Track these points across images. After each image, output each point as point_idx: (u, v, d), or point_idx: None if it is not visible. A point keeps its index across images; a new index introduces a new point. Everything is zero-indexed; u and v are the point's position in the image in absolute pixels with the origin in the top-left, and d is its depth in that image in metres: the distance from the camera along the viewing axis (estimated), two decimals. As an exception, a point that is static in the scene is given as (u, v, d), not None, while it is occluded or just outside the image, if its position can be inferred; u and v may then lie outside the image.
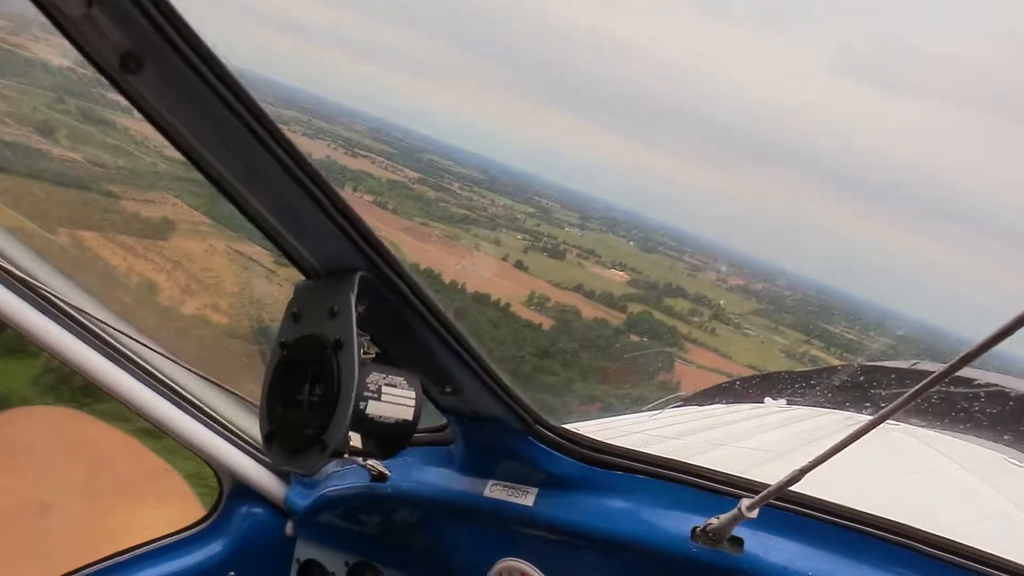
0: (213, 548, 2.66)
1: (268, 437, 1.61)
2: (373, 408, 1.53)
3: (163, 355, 2.39)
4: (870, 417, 1.42)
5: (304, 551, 2.70)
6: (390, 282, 1.57)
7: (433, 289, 1.62)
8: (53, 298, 2.32)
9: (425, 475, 2.20)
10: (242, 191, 1.51)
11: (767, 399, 5.01)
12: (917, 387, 1.30)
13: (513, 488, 1.98)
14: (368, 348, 1.55)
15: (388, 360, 1.64)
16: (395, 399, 1.57)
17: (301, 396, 1.56)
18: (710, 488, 1.84)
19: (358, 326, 1.51)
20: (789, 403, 4.96)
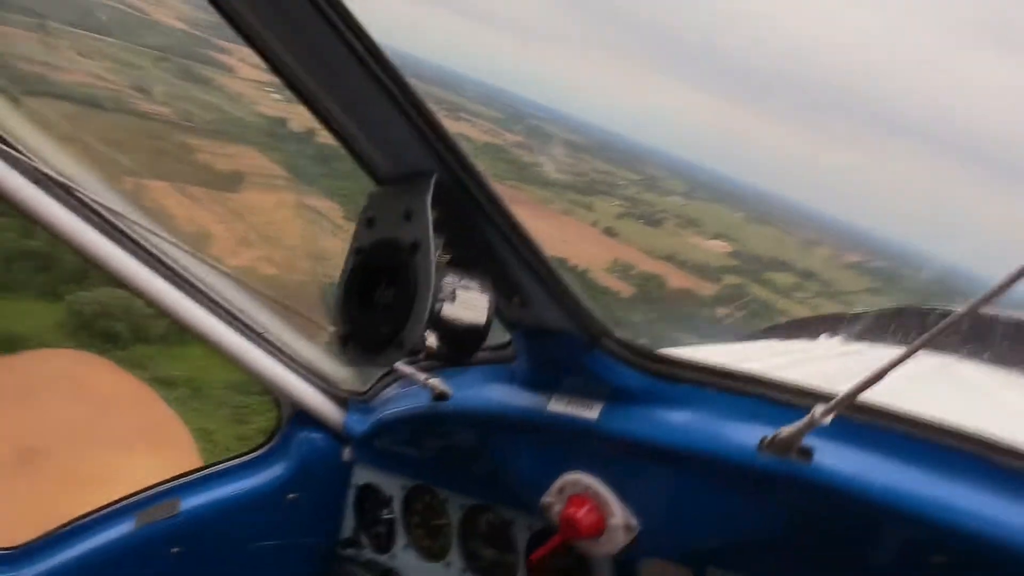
0: (274, 471, 2.74)
1: (344, 339, 1.63)
2: (447, 310, 1.54)
3: (229, 280, 2.45)
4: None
5: (361, 476, 2.76)
6: (465, 186, 1.57)
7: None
8: (125, 228, 2.38)
9: (487, 393, 2.22)
10: (317, 93, 1.52)
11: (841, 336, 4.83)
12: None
13: (577, 402, 1.99)
14: (442, 252, 1.55)
15: (461, 265, 1.64)
16: (469, 302, 1.58)
17: (377, 299, 1.58)
18: (780, 399, 1.83)
19: (433, 229, 1.52)
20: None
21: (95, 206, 2.32)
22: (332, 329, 1.66)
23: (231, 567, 2.72)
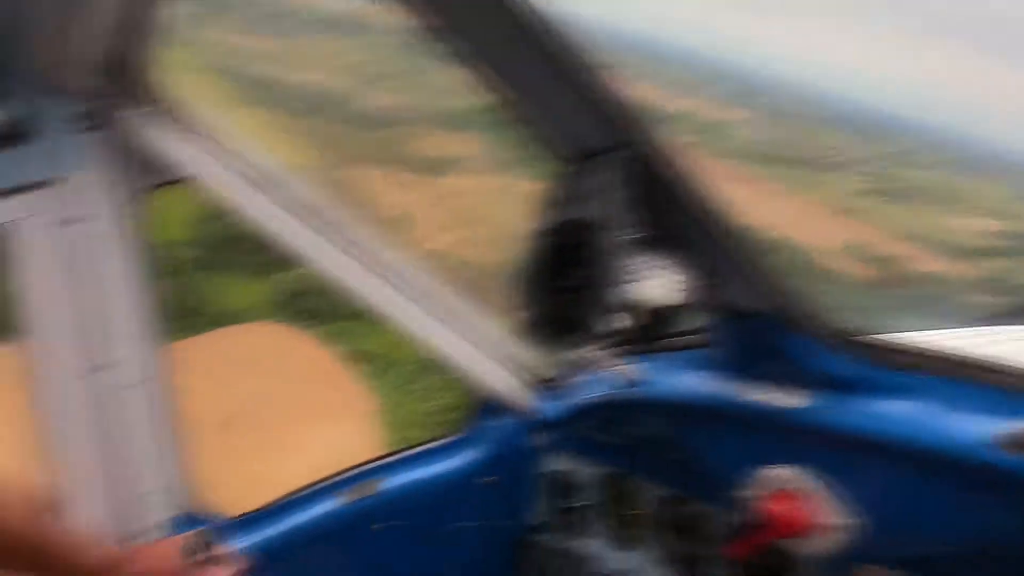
0: (468, 456, 2.80)
1: (533, 323, 1.62)
2: (637, 291, 1.48)
3: (421, 266, 2.53)
4: None
5: (553, 462, 2.76)
6: (655, 163, 1.50)
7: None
8: (321, 219, 2.54)
9: (680, 379, 2.13)
10: (498, 75, 1.51)
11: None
12: None
13: (779, 390, 1.85)
14: (631, 231, 1.49)
15: (651, 245, 1.57)
16: (660, 283, 1.51)
17: (564, 281, 1.55)
18: (1019, 387, 1.59)
19: (622, 208, 1.46)
20: None
21: (295, 200, 2.51)
22: (520, 311, 1.65)
23: (427, 546, 2.81)
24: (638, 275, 1.48)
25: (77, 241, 2.37)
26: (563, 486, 2.75)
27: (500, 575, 2.89)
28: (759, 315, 1.76)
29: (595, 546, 2.65)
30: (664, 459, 2.35)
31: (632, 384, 2.13)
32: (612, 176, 1.46)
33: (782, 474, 1.84)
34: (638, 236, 1.53)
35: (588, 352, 2.26)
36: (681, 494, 2.36)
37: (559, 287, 1.54)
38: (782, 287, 1.68)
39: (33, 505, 2.14)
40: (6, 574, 1.95)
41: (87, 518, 2.29)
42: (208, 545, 1.85)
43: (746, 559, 2.06)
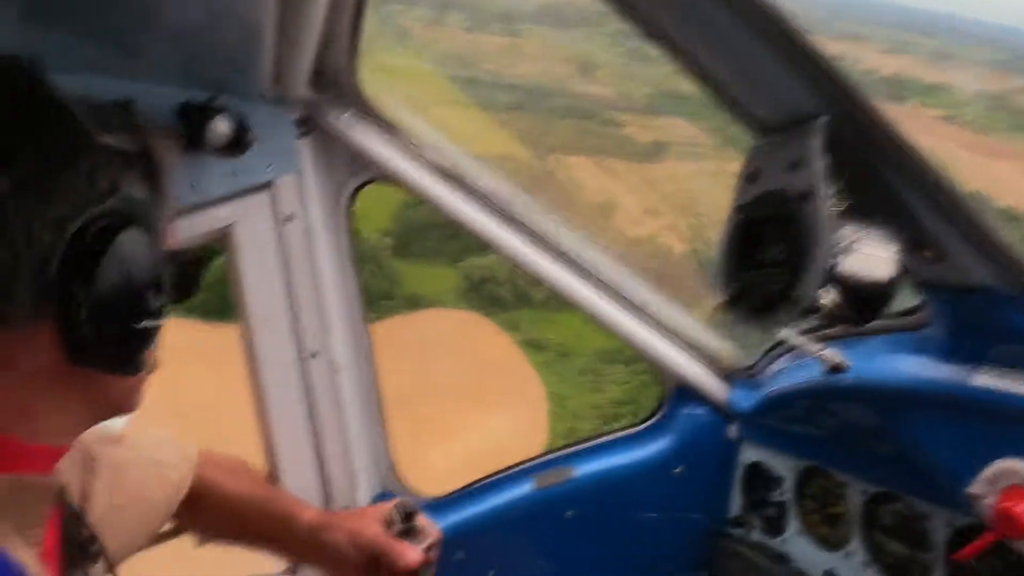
0: (660, 445, 2.76)
1: (730, 301, 1.57)
2: (845, 265, 1.39)
3: (612, 254, 2.54)
4: None
5: (749, 454, 2.66)
6: (861, 128, 1.40)
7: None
8: (513, 209, 2.62)
9: (892, 364, 1.97)
10: (687, 43, 1.47)
11: None
12: None
13: (1013, 375, 1.66)
14: (836, 201, 1.40)
15: (859, 215, 1.47)
16: (869, 256, 1.41)
17: (763, 257, 1.49)
18: None
19: (825, 177, 1.38)
20: None
21: (492, 194, 2.60)
22: (716, 295, 1.60)
23: (618, 534, 2.80)
24: (847, 249, 1.39)
25: (292, 237, 2.58)
26: (761, 479, 2.64)
27: (690, 569, 2.82)
28: (986, 290, 1.60)
29: (796, 544, 2.52)
30: (873, 452, 2.19)
31: (837, 370, 1.99)
32: (818, 143, 1.38)
33: (1015, 467, 1.66)
34: (847, 206, 1.43)
35: (789, 335, 2.17)
36: (893, 491, 2.19)
37: (759, 263, 1.48)
38: (1014, 259, 1.51)
39: (256, 472, 2.36)
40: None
41: (298, 493, 2.47)
42: (410, 516, 1.94)
43: (971, 564, 1.88)
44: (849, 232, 1.40)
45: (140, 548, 2.11)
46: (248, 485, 2.24)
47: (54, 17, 1.94)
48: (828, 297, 1.38)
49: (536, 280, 2.68)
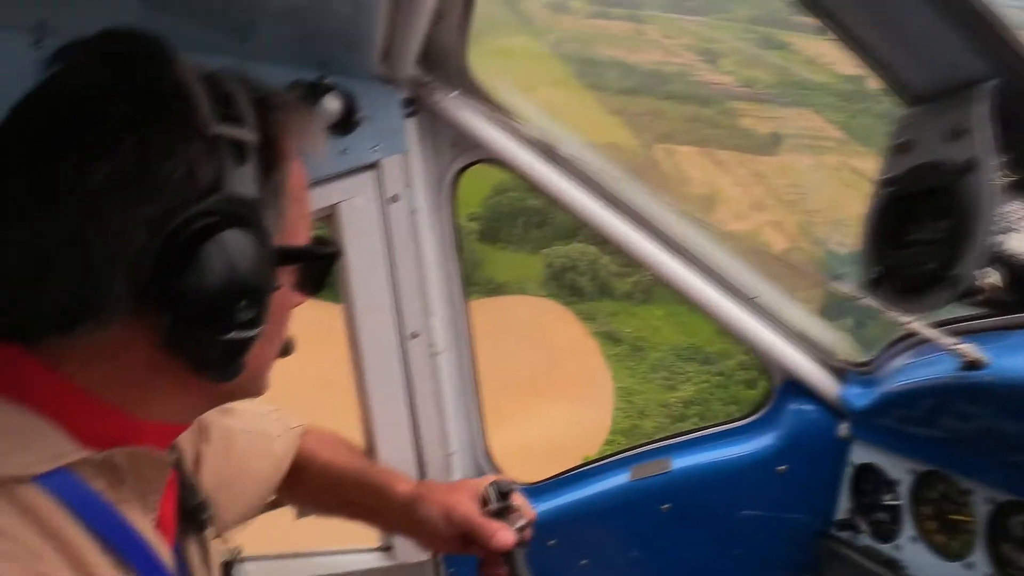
0: (764, 441, 2.66)
1: (875, 281, 1.48)
2: (1011, 243, 1.29)
3: (721, 243, 2.45)
4: None
5: (861, 454, 2.53)
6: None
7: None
8: (618, 193, 2.57)
9: (1040, 361, 1.84)
10: (838, 5, 1.39)
11: None
12: None
13: None
14: (1002, 174, 1.30)
15: (1027, 190, 1.36)
16: (1039, 235, 1.30)
17: (915, 235, 1.40)
18: None
19: (991, 148, 1.28)
20: None
21: (592, 175, 2.58)
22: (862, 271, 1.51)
23: (717, 531, 2.72)
24: (1013, 226, 1.29)
25: (396, 218, 2.59)
26: (872, 482, 2.51)
27: (792, 571, 2.71)
28: None
29: (910, 551, 2.38)
30: (1007, 458, 2.04)
31: (974, 366, 1.87)
32: (984, 110, 1.28)
33: None
34: (1014, 180, 1.33)
35: (919, 328, 2.05)
36: (1026, 500, 2.04)
37: (910, 241, 1.39)
38: None
39: (354, 446, 2.38)
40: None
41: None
42: (505, 495, 1.91)
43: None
44: (1016, 208, 1.30)
45: (247, 517, 2.15)
46: (346, 457, 2.26)
47: (171, 2, 1.98)
48: (989, 279, 1.28)
49: (639, 266, 2.62)
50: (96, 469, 1.21)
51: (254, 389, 1.43)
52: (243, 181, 1.17)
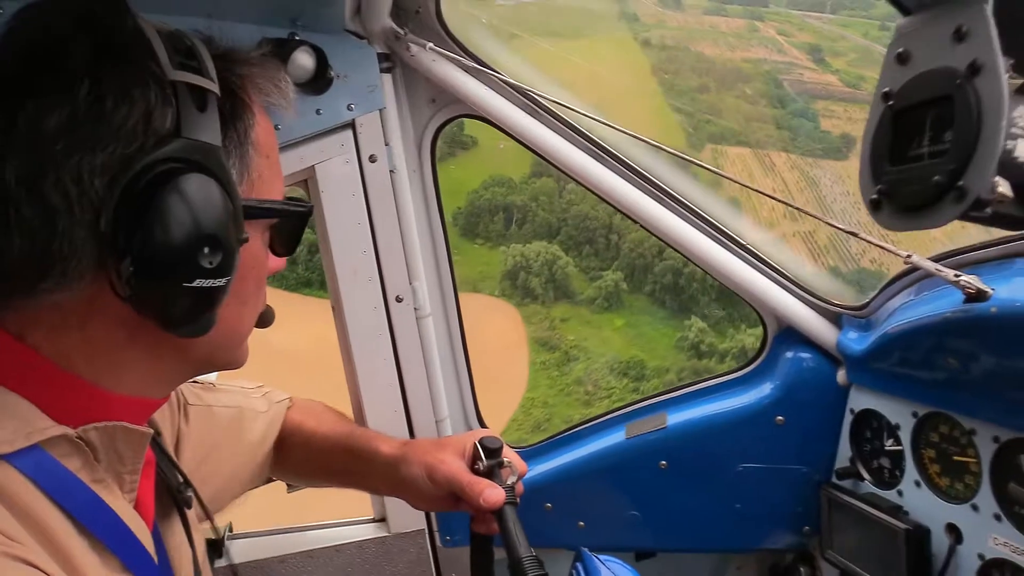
0: (761, 391, 2.61)
1: (876, 202, 1.41)
2: (1021, 149, 1.22)
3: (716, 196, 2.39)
4: None
5: (860, 400, 2.48)
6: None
7: None
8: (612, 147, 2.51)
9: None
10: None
11: None
12: None
13: None
14: (1012, 75, 1.23)
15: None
16: (1052, 142, 1.23)
17: (918, 149, 1.33)
18: None
19: (997, 46, 1.21)
20: None
21: (580, 126, 2.53)
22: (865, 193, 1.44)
23: (716, 485, 2.67)
24: (1020, 132, 1.22)
25: (376, 178, 2.51)
26: (873, 428, 2.47)
27: (794, 522, 2.67)
28: None
29: (914, 496, 2.34)
30: (1012, 394, 1.99)
31: (978, 298, 1.80)
32: (982, 10, 1.21)
33: None
34: (1019, 82, 1.26)
35: (918, 261, 1.99)
36: (1032, 437, 1.99)
37: (916, 156, 1.32)
38: None
39: (339, 413, 2.33)
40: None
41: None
42: (493, 452, 1.85)
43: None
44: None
45: (234, 495, 2.10)
46: (331, 424, 2.22)
47: None
48: (1000, 189, 1.21)
49: (630, 218, 2.55)
50: (71, 447, 1.16)
51: (231, 357, 1.38)
52: (203, 128, 1.13)
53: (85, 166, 1.05)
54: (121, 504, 1.25)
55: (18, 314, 1.14)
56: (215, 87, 1.17)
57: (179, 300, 1.13)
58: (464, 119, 2.62)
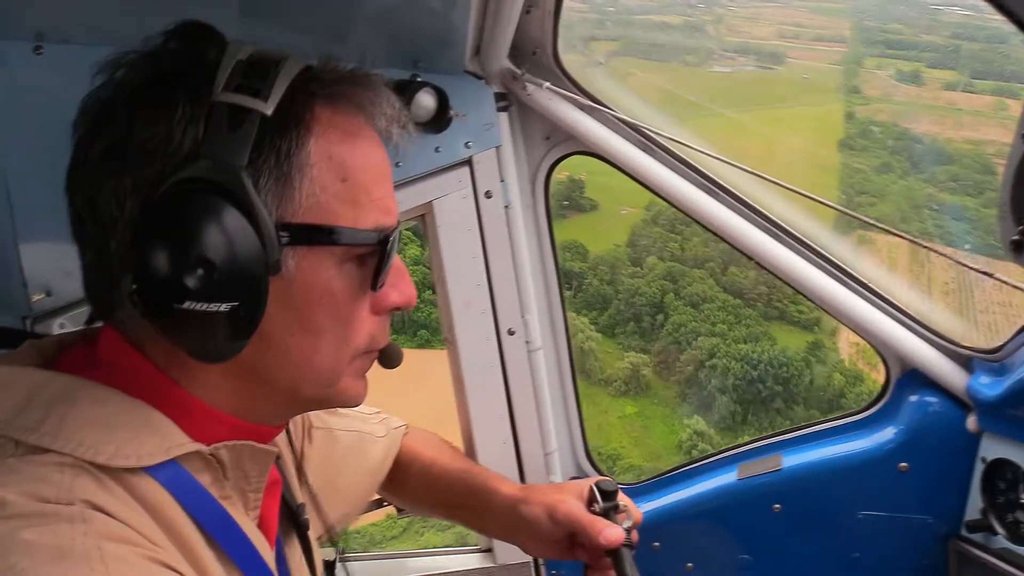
0: (882, 436, 2.50)
1: (1018, 244, 1.36)
2: None
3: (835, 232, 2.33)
4: None
5: (992, 448, 2.35)
6: None
7: None
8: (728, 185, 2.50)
9: None
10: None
11: None
12: None
13: None
14: None
15: None
16: None
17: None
18: None
19: None
20: None
21: (692, 165, 2.53)
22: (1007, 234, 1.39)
23: (833, 533, 2.57)
24: None
25: (490, 214, 2.57)
26: (1007, 478, 2.33)
27: None
28: None
29: (1052, 553, 2.20)
30: None
31: None
32: None
33: None
34: None
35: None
36: None
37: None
38: None
39: (455, 447, 2.35)
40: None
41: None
42: (609, 496, 1.83)
43: None
44: None
45: (352, 517, 2.14)
46: (449, 457, 2.23)
47: (268, 10, 2.01)
48: None
49: (745, 255, 2.52)
50: (203, 463, 1.20)
51: (326, 393, 1.31)
52: (231, 148, 1.09)
53: (120, 188, 1.09)
54: (246, 521, 1.29)
55: (127, 325, 1.18)
56: (263, 106, 1.11)
57: (174, 322, 1.09)
58: (576, 155, 2.66)
